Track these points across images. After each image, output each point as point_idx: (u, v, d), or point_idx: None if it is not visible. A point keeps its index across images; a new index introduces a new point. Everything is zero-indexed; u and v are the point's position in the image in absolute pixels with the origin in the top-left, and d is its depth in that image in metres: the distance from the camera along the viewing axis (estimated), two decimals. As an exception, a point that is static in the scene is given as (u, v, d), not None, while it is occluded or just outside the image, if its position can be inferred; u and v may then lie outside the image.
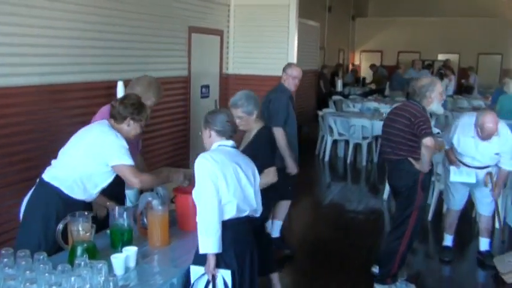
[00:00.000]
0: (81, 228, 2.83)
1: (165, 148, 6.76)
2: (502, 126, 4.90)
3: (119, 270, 2.73)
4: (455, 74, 15.96)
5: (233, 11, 8.26)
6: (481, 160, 4.98)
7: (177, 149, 7.01)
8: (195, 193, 2.88)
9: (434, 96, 4.33)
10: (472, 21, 19.51)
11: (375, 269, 4.78)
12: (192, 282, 2.87)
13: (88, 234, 2.86)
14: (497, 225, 6.19)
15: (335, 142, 10.14)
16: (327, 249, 5.82)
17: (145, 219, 3.30)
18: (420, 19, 20.00)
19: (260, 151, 3.69)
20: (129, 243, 3.04)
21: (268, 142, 3.85)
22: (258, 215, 3.10)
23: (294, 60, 8.15)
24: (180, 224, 3.48)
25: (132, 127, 3.36)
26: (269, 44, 8.25)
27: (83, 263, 2.49)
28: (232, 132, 3.11)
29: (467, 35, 19.34)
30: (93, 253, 2.77)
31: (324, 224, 6.79)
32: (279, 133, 4.86)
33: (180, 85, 7.16)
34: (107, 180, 3.31)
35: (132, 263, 2.84)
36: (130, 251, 2.87)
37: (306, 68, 11.27)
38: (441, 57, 19.05)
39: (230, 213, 2.89)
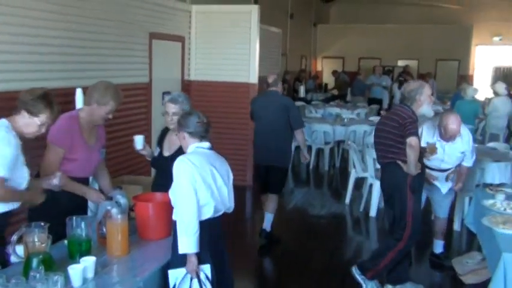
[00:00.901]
0: (36, 239, 2.76)
1: (126, 156, 6.65)
2: (462, 126, 5.04)
3: (76, 281, 2.66)
4: (415, 80, 16.30)
5: (194, 17, 8.21)
6: (449, 161, 5.10)
7: (138, 156, 6.90)
8: (173, 195, 2.99)
9: (424, 99, 4.39)
10: (430, 28, 20.00)
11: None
12: (172, 286, 2.94)
13: (44, 245, 2.79)
14: (456, 226, 6.35)
15: (297, 147, 10.18)
16: (291, 253, 5.84)
17: (104, 229, 3.24)
18: (380, 26, 20.37)
19: None
20: (87, 253, 2.98)
21: None
22: (231, 211, 3.23)
23: (256, 67, 8.17)
24: (140, 232, 3.43)
25: (27, 121, 3.05)
26: (231, 51, 8.24)
27: (38, 275, 2.43)
28: (204, 133, 3.18)
29: (426, 42, 19.81)
30: (50, 265, 2.70)
31: (288, 229, 6.82)
32: (302, 132, 5.99)
33: (140, 92, 7.07)
34: None
35: (90, 274, 2.78)
36: (88, 261, 2.81)
37: (267, 74, 11.32)
38: (401, 63, 19.43)
39: (207, 214, 3.02)
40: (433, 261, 5.30)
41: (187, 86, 8.31)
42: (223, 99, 8.25)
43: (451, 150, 5.02)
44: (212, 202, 3.02)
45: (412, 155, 4.20)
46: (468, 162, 5.20)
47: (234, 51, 8.24)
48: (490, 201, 4.50)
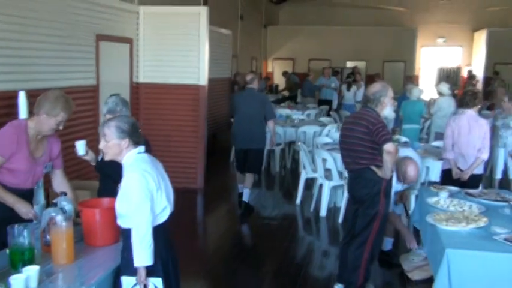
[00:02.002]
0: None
1: (73, 160, 6.49)
2: (412, 153, 5.17)
3: (18, 292, 2.58)
4: (364, 81, 16.62)
5: (142, 19, 8.10)
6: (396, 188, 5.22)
7: (84, 160, 6.76)
8: (124, 207, 2.92)
9: (388, 101, 4.39)
10: (377, 30, 20.46)
11: (337, 287, 4.70)
12: None
13: (-16, 255, 2.69)
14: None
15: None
16: (243, 254, 5.85)
17: (48, 236, 3.14)
18: (329, 28, 20.68)
19: None
20: (30, 262, 2.88)
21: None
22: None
23: (206, 69, 8.13)
24: (87, 239, 3.35)
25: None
26: (180, 52, 8.16)
27: (-24, 287, 2.34)
28: (143, 142, 3.13)
29: (374, 44, 20.25)
30: (-10, 275, 2.61)
31: (240, 231, 6.83)
32: (274, 122, 7.37)
33: (88, 94, 6.92)
34: None
35: (33, 284, 2.69)
36: (32, 270, 2.72)
37: (218, 76, 11.32)
38: (349, 64, 19.80)
39: (165, 217, 3.03)
40: (382, 258, 5.39)
41: (136, 89, 8.19)
42: (172, 101, 8.17)
43: (399, 187, 5.19)
44: (168, 205, 3.03)
45: (389, 161, 4.21)
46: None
47: (183, 53, 8.17)
48: (434, 199, 4.63)
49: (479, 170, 5.62)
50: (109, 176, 3.81)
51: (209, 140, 9.58)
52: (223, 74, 12.05)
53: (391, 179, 4.43)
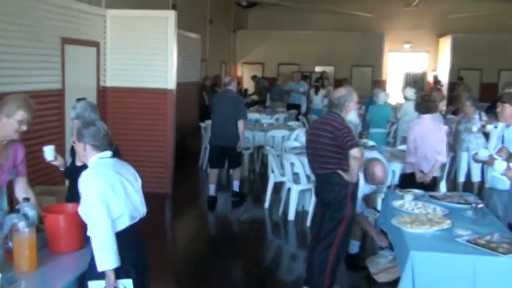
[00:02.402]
0: None
1: (39, 165, 6.38)
2: (378, 156, 5.27)
3: (-22, 300, 2.52)
4: (332, 85, 16.78)
5: (109, 22, 8.01)
6: (364, 191, 5.34)
7: (51, 165, 6.65)
8: (84, 212, 2.93)
9: (352, 106, 4.44)
10: (345, 35, 20.69)
11: None
12: None
13: None
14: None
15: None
16: (212, 259, 5.84)
17: (10, 243, 3.08)
18: (298, 32, 20.81)
19: None
20: (-9, 270, 2.83)
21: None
22: (143, 216, 3.18)
23: (174, 73, 8.09)
24: (51, 245, 3.29)
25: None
26: (148, 56, 8.10)
27: None
28: (109, 146, 3.11)
29: (342, 48, 20.47)
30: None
31: (209, 235, 6.81)
32: (244, 122, 7.74)
33: (53, 98, 6.82)
34: None
35: (-6, 292, 2.64)
36: (-8, 278, 2.67)
37: (187, 80, 11.28)
38: (318, 69, 19.95)
39: (124, 224, 2.98)
40: (348, 261, 5.45)
41: (102, 93, 8.10)
42: (140, 105, 8.10)
43: (367, 189, 5.36)
44: (127, 211, 2.99)
45: (355, 166, 4.28)
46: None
47: (151, 57, 8.11)
48: (399, 202, 4.70)
49: (436, 173, 5.78)
50: (78, 182, 3.76)
51: (178, 144, 9.53)
52: (192, 78, 12.02)
53: (357, 183, 4.50)
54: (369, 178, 5.14)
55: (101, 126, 3.11)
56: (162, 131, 8.20)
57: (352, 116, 4.48)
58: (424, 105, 5.91)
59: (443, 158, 5.70)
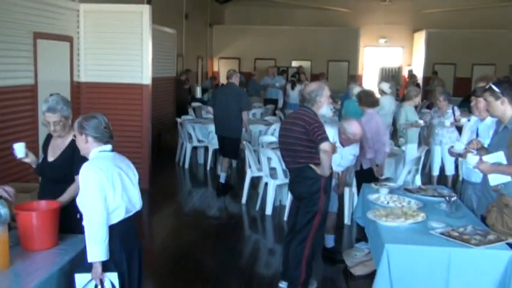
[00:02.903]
0: None
1: (12, 162, 6.28)
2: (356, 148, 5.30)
3: None
4: (309, 80, 16.83)
5: (83, 17, 7.89)
6: (342, 163, 5.36)
7: (24, 162, 6.54)
8: (81, 203, 2.99)
9: (324, 100, 4.46)
10: (321, 30, 20.76)
11: (283, 285, 4.73)
12: None
13: None
14: (346, 220, 6.63)
15: (195, 149, 10.17)
16: (189, 254, 5.82)
17: (-19, 242, 3.02)
18: (275, 28, 20.83)
19: (79, 160, 3.63)
20: (-38, 269, 2.78)
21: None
22: (139, 209, 3.25)
23: (149, 68, 8.03)
24: (24, 243, 3.24)
25: None
26: (123, 51, 8.01)
27: None
28: (110, 138, 3.19)
29: (318, 43, 20.54)
30: None
31: (186, 231, 6.78)
32: (247, 114, 8.24)
33: (25, 94, 6.70)
34: None
35: (-35, 292, 2.59)
36: (-37, 278, 2.61)
37: (163, 75, 11.20)
38: (295, 64, 19.98)
39: (119, 217, 3.05)
40: (325, 255, 5.49)
41: (76, 88, 7.99)
42: (115, 101, 8.01)
43: (346, 153, 5.29)
44: (123, 204, 3.06)
45: (326, 160, 4.29)
46: (351, 163, 5.60)
47: (126, 52, 8.03)
48: (375, 196, 4.74)
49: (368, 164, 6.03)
50: (51, 179, 3.72)
51: (154, 140, 9.47)
52: (168, 73, 11.94)
53: (330, 177, 4.52)
54: (344, 139, 5.13)
55: (101, 118, 3.19)
56: (138, 127, 8.13)
57: (324, 110, 4.52)
58: (370, 99, 6.19)
59: (388, 148, 6.14)
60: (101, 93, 8.03)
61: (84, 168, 3.00)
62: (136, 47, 7.95)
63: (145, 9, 8.01)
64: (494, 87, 3.90)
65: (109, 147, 3.17)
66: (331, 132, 5.03)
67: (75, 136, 3.22)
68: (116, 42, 8.00)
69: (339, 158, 5.20)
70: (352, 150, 5.36)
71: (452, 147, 4.55)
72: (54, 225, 3.26)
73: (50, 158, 3.72)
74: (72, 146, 3.65)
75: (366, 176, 5.81)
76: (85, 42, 7.99)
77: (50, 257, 3.15)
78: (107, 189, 2.98)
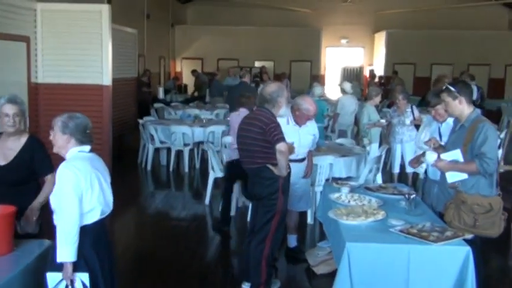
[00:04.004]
0: None
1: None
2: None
3: None
4: (272, 80, 16.88)
5: (40, 16, 7.72)
6: (304, 145, 5.28)
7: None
8: (55, 201, 3.01)
9: (284, 101, 4.48)
10: (284, 30, 20.87)
11: (245, 286, 4.70)
12: None
13: None
14: (309, 220, 6.67)
15: (157, 150, 10.07)
16: (152, 257, 5.76)
17: None
18: (237, 28, 20.82)
19: (42, 160, 3.72)
20: None
21: (41, 149, 3.79)
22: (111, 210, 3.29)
23: (109, 68, 7.91)
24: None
25: None
26: (82, 52, 7.88)
27: None
28: (90, 142, 3.22)
29: (281, 44, 20.64)
30: None
31: (149, 233, 6.70)
32: None
33: (-20, 96, 6.51)
34: None
35: None
36: None
37: (124, 75, 11.05)
38: (258, 64, 20.03)
39: (94, 218, 3.07)
40: (288, 255, 5.51)
41: (34, 89, 7.81)
42: (75, 102, 7.83)
43: (304, 135, 5.26)
44: (99, 206, 3.08)
45: (282, 160, 4.31)
46: (313, 146, 5.54)
47: (85, 52, 7.91)
48: (336, 195, 4.78)
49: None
50: (5, 182, 3.62)
51: (116, 142, 9.34)
52: (129, 74, 11.78)
53: (288, 177, 4.53)
54: (297, 114, 5.12)
55: (84, 120, 3.22)
56: (99, 128, 7.99)
57: (284, 110, 4.55)
58: (241, 100, 6.75)
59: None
60: (60, 94, 7.88)
61: (62, 168, 3.01)
62: (96, 47, 7.83)
63: (105, 9, 7.90)
64: (450, 87, 4.00)
65: (88, 147, 3.18)
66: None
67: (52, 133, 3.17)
68: (75, 43, 7.86)
69: (297, 138, 5.16)
70: (310, 130, 5.32)
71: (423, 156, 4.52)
72: (9, 231, 3.17)
73: (2, 162, 3.62)
74: (31, 146, 3.59)
75: (233, 166, 6.09)
76: (43, 42, 7.83)
77: (4, 264, 3.06)
78: (84, 190, 2.99)
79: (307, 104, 5.11)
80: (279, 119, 4.86)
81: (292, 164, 5.10)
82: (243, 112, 6.25)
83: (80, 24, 7.84)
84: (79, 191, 2.97)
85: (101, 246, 3.14)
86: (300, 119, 5.18)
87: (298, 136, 5.19)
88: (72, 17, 7.88)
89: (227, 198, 6.65)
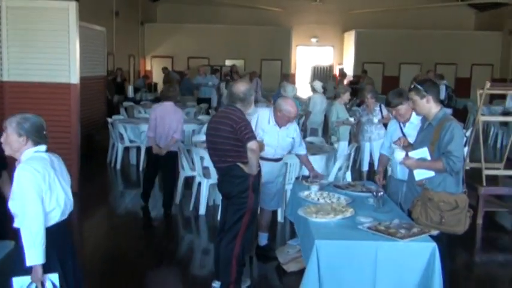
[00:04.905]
0: None
1: None
2: None
3: None
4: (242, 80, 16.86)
5: (5, 13, 7.53)
6: (282, 146, 5.31)
7: None
8: (15, 205, 2.94)
9: (253, 100, 4.50)
10: (254, 29, 20.89)
11: (216, 285, 4.69)
12: None
13: None
14: (280, 218, 6.70)
15: (126, 149, 9.97)
16: (122, 257, 5.72)
17: None
18: (208, 26, 20.76)
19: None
20: None
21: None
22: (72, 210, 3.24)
23: (77, 66, 7.79)
24: None
25: None
26: (49, 49, 7.71)
27: None
28: (46, 142, 3.15)
29: (251, 42, 20.67)
30: None
31: (119, 233, 6.63)
32: None
33: None
34: None
35: None
36: None
37: (92, 74, 10.91)
38: (228, 62, 20.00)
39: (54, 220, 3.03)
40: (258, 253, 5.52)
41: (-1, 88, 7.64)
42: (42, 101, 7.68)
43: (283, 136, 5.29)
44: (58, 207, 3.03)
45: (253, 158, 4.32)
46: (302, 150, 5.53)
47: (52, 50, 7.75)
48: (306, 193, 4.82)
49: (174, 148, 7.11)
50: None
51: (84, 141, 9.21)
52: (98, 72, 11.63)
53: (258, 175, 4.55)
54: (279, 116, 5.16)
55: (39, 120, 3.13)
56: (66, 127, 7.87)
57: (253, 109, 4.56)
58: (166, 94, 7.34)
59: (178, 135, 7.05)
60: (26, 92, 7.71)
61: (20, 170, 2.94)
62: (63, 45, 7.69)
63: (72, 6, 7.74)
64: (418, 86, 4.06)
65: (43, 147, 3.11)
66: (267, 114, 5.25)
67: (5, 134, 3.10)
68: (42, 40, 7.71)
69: (276, 139, 5.21)
70: (290, 133, 5.34)
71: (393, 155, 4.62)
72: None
73: None
74: None
75: (148, 151, 7.12)
76: (8, 40, 7.65)
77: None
78: (44, 191, 2.94)
79: (288, 105, 5.15)
80: (261, 117, 4.89)
81: (267, 163, 5.17)
82: (167, 105, 7.11)
83: (46, 22, 7.68)
84: (40, 192, 2.92)
85: (63, 248, 3.09)
86: (280, 120, 5.22)
87: (277, 136, 5.24)
88: (38, 14, 7.72)
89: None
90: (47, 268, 2.95)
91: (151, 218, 7.24)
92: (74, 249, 3.27)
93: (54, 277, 2.98)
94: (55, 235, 3.00)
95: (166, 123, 6.95)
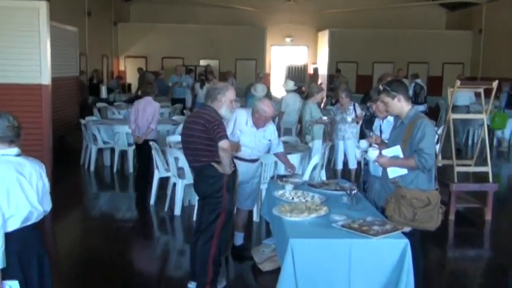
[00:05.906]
0: None
1: None
2: None
3: None
4: (217, 79, 16.83)
5: (-27, 13, 7.44)
6: (259, 148, 5.34)
7: None
8: None
9: (224, 101, 4.47)
10: (229, 29, 20.87)
11: (191, 285, 4.66)
12: None
13: None
14: (255, 217, 6.71)
15: (100, 151, 9.86)
16: (97, 259, 5.66)
17: None
18: (182, 26, 20.66)
19: None
20: None
21: None
22: (47, 213, 3.15)
23: (48, 67, 7.69)
24: None
25: None
26: (19, 50, 7.61)
27: None
28: (15, 137, 3.02)
29: (226, 42, 20.63)
30: None
31: (93, 235, 6.56)
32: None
33: None
34: None
35: None
36: None
37: (64, 74, 10.77)
38: (203, 62, 19.94)
39: (14, 226, 2.89)
40: (234, 253, 5.52)
41: (-32, 89, 7.50)
42: (12, 102, 7.55)
43: (260, 137, 5.31)
44: (19, 213, 2.90)
45: (225, 157, 4.33)
46: (280, 149, 5.62)
47: (23, 51, 7.66)
48: (280, 192, 4.83)
49: (151, 136, 7.98)
50: None
51: (56, 143, 9.10)
52: (70, 73, 11.48)
53: (233, 174, 4.55)
54: (257, 117, 5.18)
55: (5, 117, 3.03)
56: (38, 129, 7.78)
57: (224, 111, 4.52)
58: (145, 90, 8.48)
59: (154, 125, 7.98)
60: (-4, 94, 7.58)
61: None
62: (34, 45, 7.60)
63: (43, 6, 7.65)
64: (387, 87, 4.13)
65: (14, 151, 3.00)
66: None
67: None
68: (12, 41, 7.61)
69: (253, 140, 5.24)
70: (267, 135, 5.36)
71: (358, 146, 4.72)
72: None
73: None
74: None
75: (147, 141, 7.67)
76: (-24, 40, 7.51)
77: None
78: (1, 196, 2.84)
79: (263, 105, 5.19)
80: (239, 118, 4.86)
81: (243, 164, 5.18)
82: (147, 99, 8.09)
83: (16, 21, 7.57)
84: None
85: (27, 254, 3.00)
86: (257, 121, 5.24)
87: (254, 138, 5.27)
88: (8, 14, 7.60)
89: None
90: (6, 275, 2.85)
91: (126, 220, 7.18)
92: (42, 254, 3.15)
93: (13, 284, 2.89)
94: (15, 241, 2.90)
95: (145, 115, 7.92)
